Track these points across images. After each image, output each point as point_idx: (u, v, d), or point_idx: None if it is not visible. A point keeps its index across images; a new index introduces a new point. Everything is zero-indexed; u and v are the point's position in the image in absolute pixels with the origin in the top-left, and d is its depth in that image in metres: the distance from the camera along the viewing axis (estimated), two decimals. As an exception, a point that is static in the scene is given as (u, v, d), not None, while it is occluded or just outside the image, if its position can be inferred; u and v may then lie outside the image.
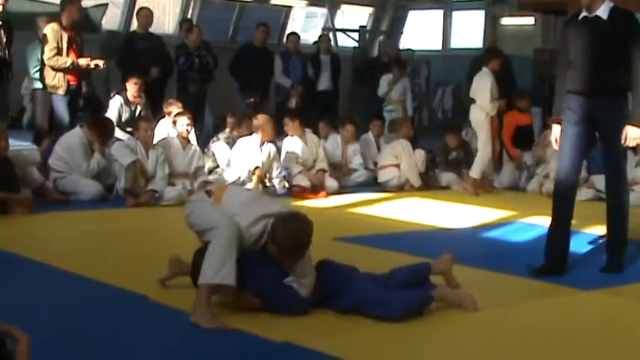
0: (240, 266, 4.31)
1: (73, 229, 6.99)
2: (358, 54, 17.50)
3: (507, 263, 5.88)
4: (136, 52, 10.80)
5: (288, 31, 15.97)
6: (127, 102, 9.71)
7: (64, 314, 4.42)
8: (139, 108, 9.75)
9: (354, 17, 19.35)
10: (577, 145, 5.60)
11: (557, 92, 5.77)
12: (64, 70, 9.23)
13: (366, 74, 14.34)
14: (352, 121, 10.54)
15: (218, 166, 9.15)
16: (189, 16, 15.77)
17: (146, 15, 11.14)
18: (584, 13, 5.56)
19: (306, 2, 18.30)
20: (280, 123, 9.57)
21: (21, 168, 7.65)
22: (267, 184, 8.86)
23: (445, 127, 11.13)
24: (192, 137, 9.09)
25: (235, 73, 12.07)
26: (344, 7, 18.82)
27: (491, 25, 17.64)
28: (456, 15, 18.88)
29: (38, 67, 9.67)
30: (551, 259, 5.64)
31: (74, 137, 8.42)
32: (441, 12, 18.92)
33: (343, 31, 18.48)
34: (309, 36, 17.57)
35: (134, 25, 12.40)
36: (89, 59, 9.35)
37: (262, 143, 8.82)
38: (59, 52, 9.17)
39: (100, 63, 9.41)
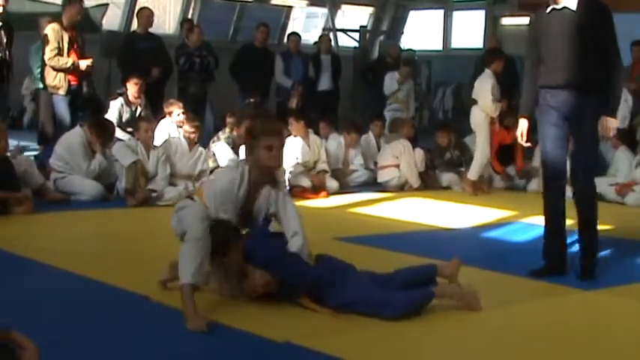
0: (248, 243, 4.55)
1: (74, 229, 6.98)
2: (359, 54, 17.49)
3: (507, 263, 5.88)
4: (136, 53, 10.81)
5: (288, 32, 15.96)
6: (127, 102, 9.72)
7: (64, 314, 4.43)
8: (139, 108, 9.76)
9: (355, 17, 19.34)
10: (558, 138, 5.52)
11: (524, 88, 5.73)
12: (65, 71, 9.24)
13: (369, 75, 14.35)
14: (357, 127, 10.46)
15: (219, 166, 9.15)
16: (189, 16, 15.76)
17: (147, 15, 11.16)
18: (552, 6, 5.48)
19: (306, 2, 18.30)
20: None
21: (21, 168, 7.65)
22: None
23: (436, 128, 11.09)
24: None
25: (236, 73, 12.06)
26: (344, 7, 18.81)
27: (492, 25, 17.63)
28: (457, 15, 18.87)
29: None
30: (550, 261, 5.63)
31: (74, 137, 8.41)
32: (441, 12, 18.89)
33: (344, 31, 18.46)
34: (310, 36, 17.57)
35: (135, 25, 12.40)
36: (91, 60, 9.38)
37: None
38: (60, 53, 9.19)
39: (89, 62, 9.41)
